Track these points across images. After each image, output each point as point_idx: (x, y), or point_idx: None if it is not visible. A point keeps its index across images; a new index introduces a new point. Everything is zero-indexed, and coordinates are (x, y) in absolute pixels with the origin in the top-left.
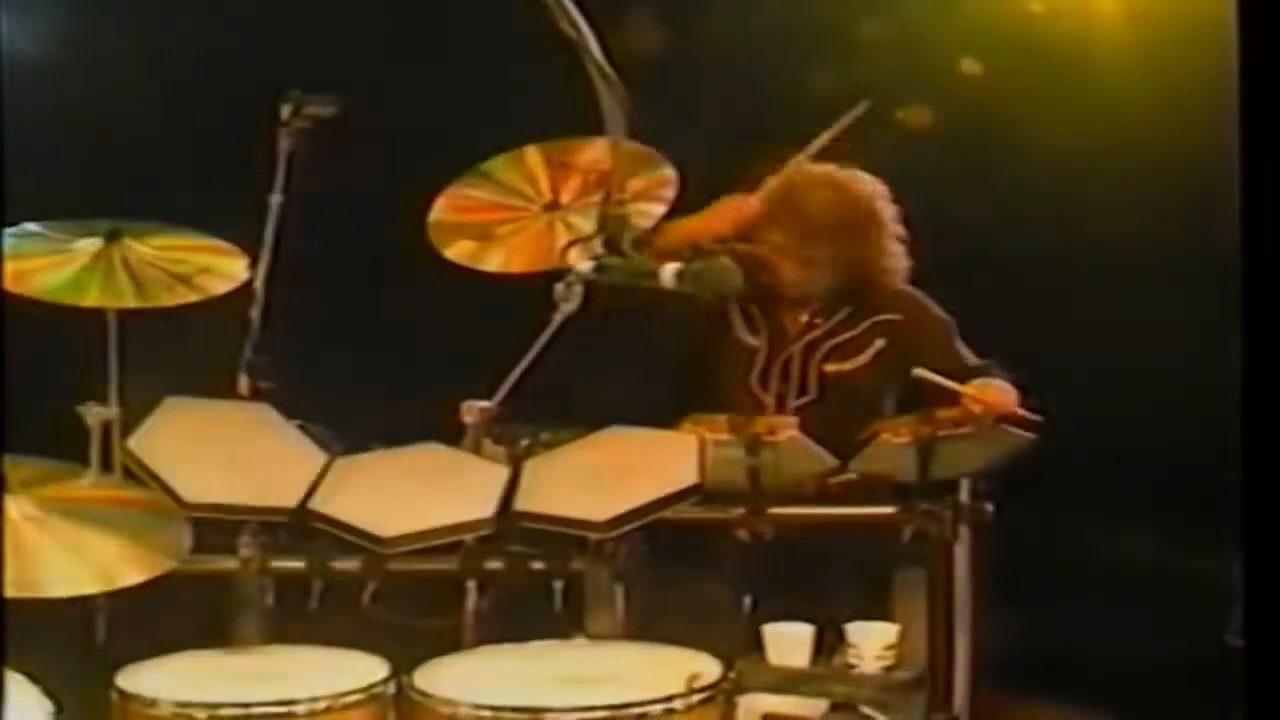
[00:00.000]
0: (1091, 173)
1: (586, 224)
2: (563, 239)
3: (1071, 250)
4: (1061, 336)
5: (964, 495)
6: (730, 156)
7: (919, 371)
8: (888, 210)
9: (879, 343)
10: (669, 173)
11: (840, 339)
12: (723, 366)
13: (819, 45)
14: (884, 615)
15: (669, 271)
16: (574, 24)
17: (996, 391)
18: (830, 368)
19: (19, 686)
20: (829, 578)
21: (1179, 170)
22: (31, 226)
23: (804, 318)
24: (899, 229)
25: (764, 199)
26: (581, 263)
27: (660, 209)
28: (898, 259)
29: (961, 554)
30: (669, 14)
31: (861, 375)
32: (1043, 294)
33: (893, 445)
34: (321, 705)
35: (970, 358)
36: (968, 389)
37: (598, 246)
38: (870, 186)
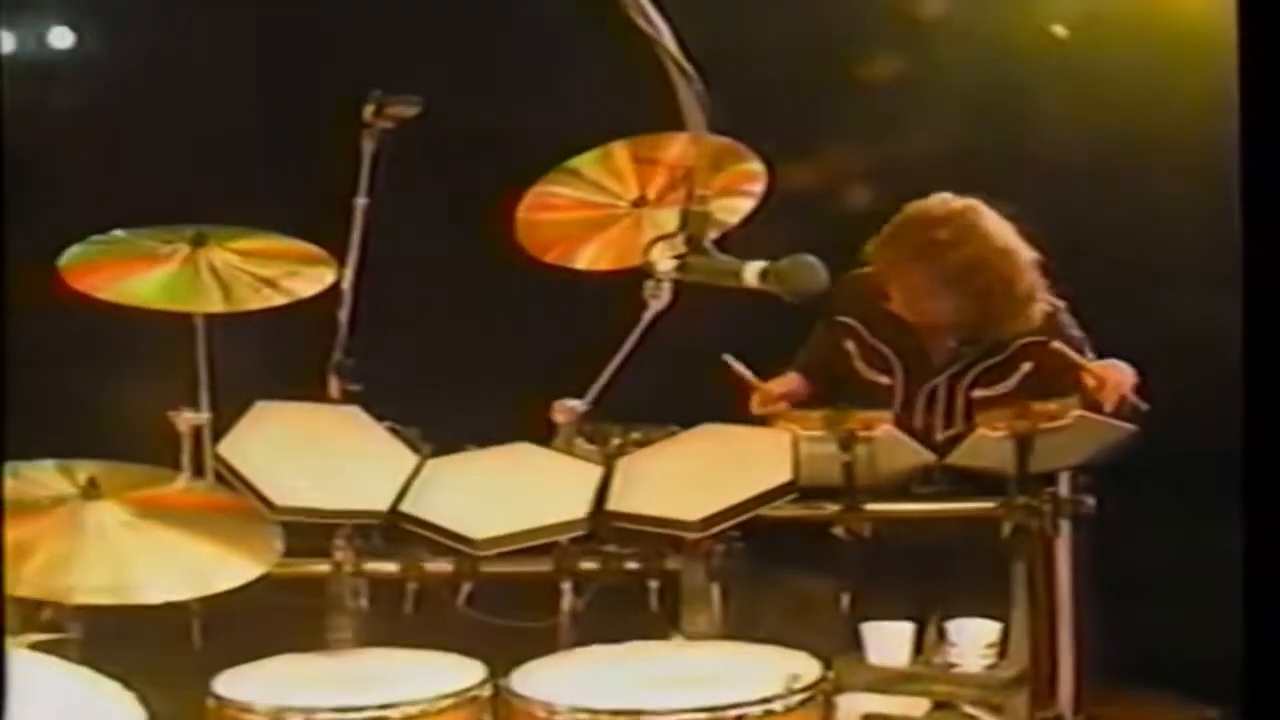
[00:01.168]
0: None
1: (673, 220)
2: (650, 235)
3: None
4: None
5: (1063, 489)
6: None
7: (1056, 345)
8: (1018, 242)
9: (1026, 365)
10: (757, 166)
11: (986, 365)
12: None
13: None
14: (987, 611)
15: (752, 270)
16: (649, 19)
17: (1118, 373)
18: (979, 394)
19: (113, 693)
20: (929, 574)
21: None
22: (119, 232)
23: (950, 344)
24: (1033, 256)
25: (890, 230)
26: (664, 261)
27: (749, 204)
28: (1034, 288)
29: (1062, 548)
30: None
31: (1010, 400)
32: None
33: (990, 439)
34: (417, 709)
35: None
36: (1092, 366)
37: (680, 244)
38: (995, 225)
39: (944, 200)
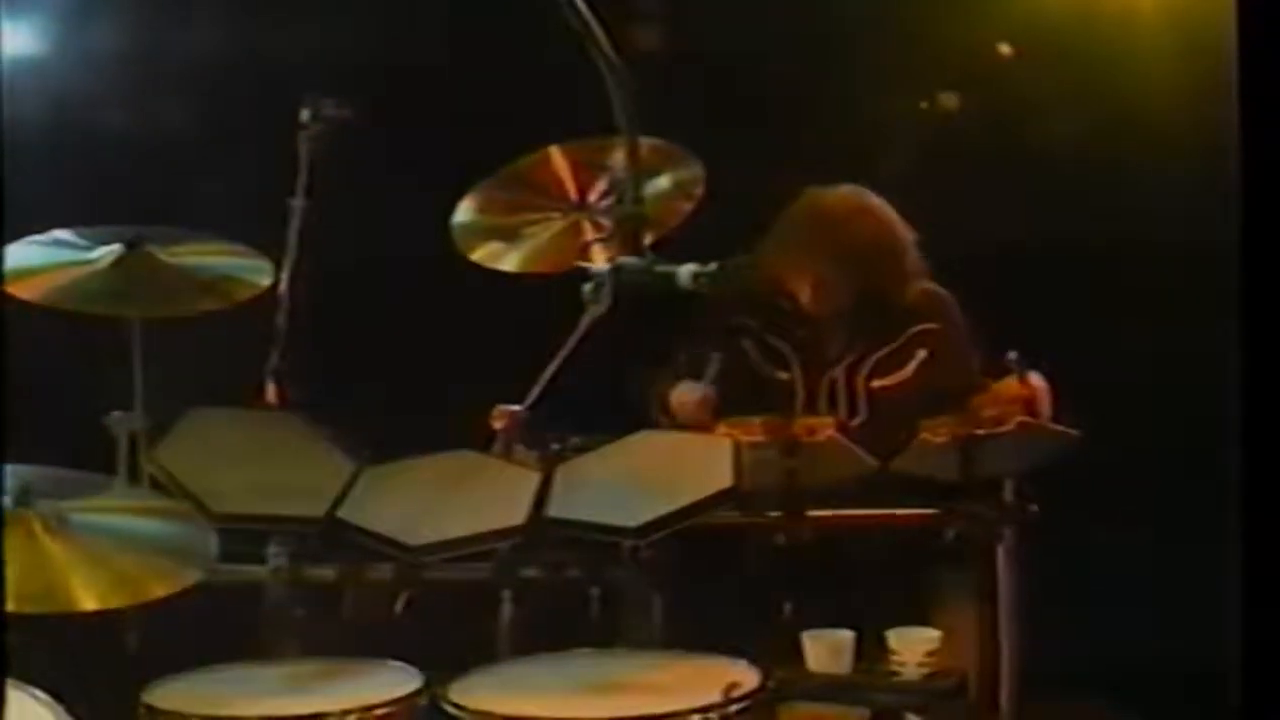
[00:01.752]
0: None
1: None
2: (589, 239)
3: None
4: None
5: (1008, 495)
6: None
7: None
8: (899, 224)
9: (921, 353)
10: (697, 171)
11: (881, 353)
12: (759, 401)
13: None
14: (926, 620)
15: (685, 271)
16: (580, 16)
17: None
18: (877, 384)
19: (43, 703)
20: (870, 582)
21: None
22: (57, 234)
23: (842, 338)
24: (910, 235)
25: (781, 226)
26: (599, 262)
27: (688, 207)
28: (916, 263)
29: (1005, 555)
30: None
31: (909, 386)
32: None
33: (933, 445)
34: (353, 717)
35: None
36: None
37: (615, 246)
38: (879, 203)
39: (828, 188)
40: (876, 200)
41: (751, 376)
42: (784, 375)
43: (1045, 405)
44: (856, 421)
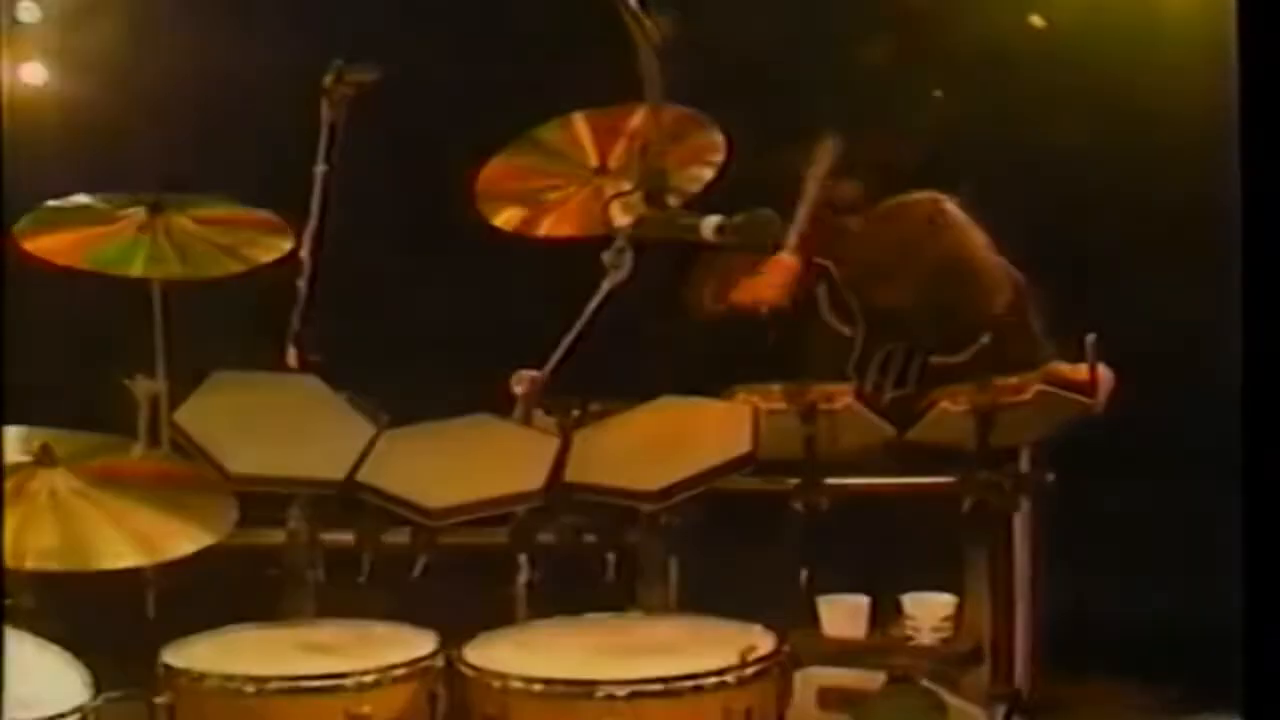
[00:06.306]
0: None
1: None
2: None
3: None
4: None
5: (1024, 464)
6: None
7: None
8: (978, 239)
9: (985, 338)
10: (717, 137)
11: (947, 333)
12: (810, 351)
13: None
14: (943, 586)
15: (710, 224)
16: None
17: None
18: (936, 360)
19: (63, 661)
20: (886, 549)
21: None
22: (79, 198)
23: (916, 317)
24: (1004, 269)
25: (860, 236)
26: (622, 219)
27: (709, 174)
28: (992, 280)
29: (1021, 524)
30: None
31: (965, 368)
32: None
33: (951, 413)
34: (370, 679)
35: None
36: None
37: (639, 203)
38: (958, 216)
39: (908, 197)
40: (956, 213)
41: (815, 321)
42: (846, 331)
43: (1102, 395)
44: (902, 393)
